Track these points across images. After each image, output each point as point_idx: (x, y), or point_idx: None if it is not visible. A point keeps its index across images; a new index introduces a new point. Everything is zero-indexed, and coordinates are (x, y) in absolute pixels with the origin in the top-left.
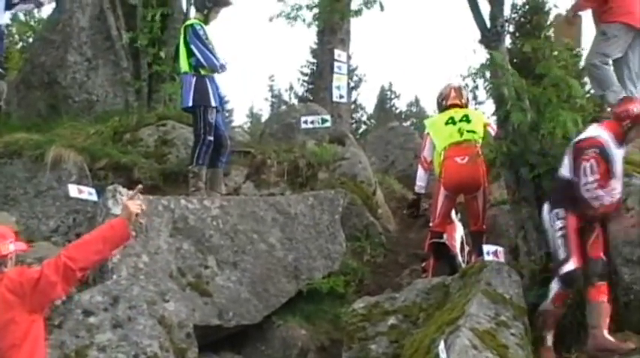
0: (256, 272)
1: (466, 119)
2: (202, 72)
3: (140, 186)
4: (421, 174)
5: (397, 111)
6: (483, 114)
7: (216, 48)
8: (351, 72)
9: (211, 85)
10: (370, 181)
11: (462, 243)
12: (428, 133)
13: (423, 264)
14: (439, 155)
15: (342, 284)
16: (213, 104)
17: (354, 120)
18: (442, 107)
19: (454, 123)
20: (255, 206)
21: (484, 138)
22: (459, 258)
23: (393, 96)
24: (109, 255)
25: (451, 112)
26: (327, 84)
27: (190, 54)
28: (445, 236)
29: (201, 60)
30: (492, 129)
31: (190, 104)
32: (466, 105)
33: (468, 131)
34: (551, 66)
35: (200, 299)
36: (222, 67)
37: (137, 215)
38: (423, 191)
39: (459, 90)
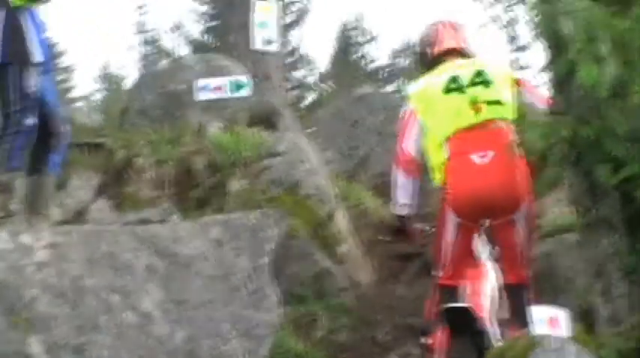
0: None
1: (482, 80)
2: (17, 2)
3: None
4: (402, 183)
5: (371, 66)
6: (509, 66)
7: None
8: None
9: (33, 23)
10: (324, 195)
11: (496, 303)
12: (413, 109)
13: (424, 340)
14: (438, 149)
15: None
16: (37, 59)
17: (293, 85)
18: (428, 59)
19: (461, 88)
20: (114, 243)
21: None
22: (492, 329)
23: (362, 38)
24: None
25: (451, 68)
26: (242, 19)
27: None
28: (466, 290)
29: None
30: (531, 93)
31: None
32: (471, 54)
33: (491, 102)
34: None
35: None
36: None
37: None
38: (409, 211)
39: (453, 26)
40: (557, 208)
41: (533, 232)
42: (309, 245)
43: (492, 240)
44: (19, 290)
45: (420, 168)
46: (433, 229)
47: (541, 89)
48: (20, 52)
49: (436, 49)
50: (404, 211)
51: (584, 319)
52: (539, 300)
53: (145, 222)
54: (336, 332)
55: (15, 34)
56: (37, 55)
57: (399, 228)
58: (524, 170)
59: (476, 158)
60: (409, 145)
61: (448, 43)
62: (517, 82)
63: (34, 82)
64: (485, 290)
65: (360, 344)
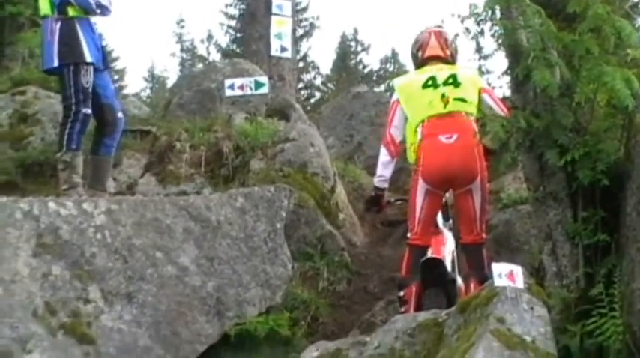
0: (161, 308)
1: (453, 81)
2: (71, 13)
3: None
4: (385, 161)
5: (365, 70)
6: (478, 75)
7: None
8: (297, 13)
9: (85, 31)
10: (327, 173)
11: (452, 263)
12: (397, 100)
13: (401, 293)
14: (414, 132)
15: (287, 323)
16: (88, 59)
17: (302, 85)
18: (418, 60)
19: (435, 86)
20: (158, 211)
21: (479, 110)
22: (459, 280)
23: (359, 48)
24: None
25: (432, 70)
26: (262, 31)
27: None
28: (430, 252)
29: None
30: (491, 99)
31: (56, 63)
32: (452, 61)
33: (456, 99)
34: (589, 1)
35: (79, 349)
36: (102, 8)
37: None
38: (386, 185)
39: (441, 36)
40: (514, 185)
41: (486, 201)
42: (315, 213)
43: (452, 211)
44: (81, 248)
45: (400, 150)
46: (398, 201)
47: (498, 94)
48: (73, 54)
49: (422, 53)
50: (382, 183)
51: (536, 274)
52: (500, 258)
53: (183, 193)
54: (336, 284)
55: (69, 40)
56: (88, 56)
57: (372, 198)
58: (481, 151)
59: (443, 139)
60: (394, 131)
61: (433, 51)
62: (482, 89)
63: (87, 79)
64: (444, 251)
65: (355, 293)
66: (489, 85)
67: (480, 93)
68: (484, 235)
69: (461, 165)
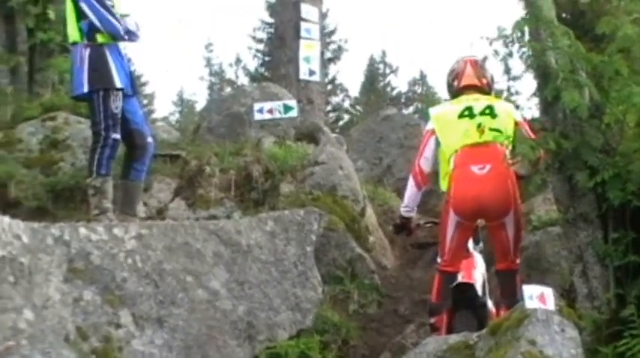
0: (192, 332)
1: (490, 112)
2: (99, 39)
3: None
4: (412, 192)
5: (394, 92)
6: (514, 109)
7: (121, 5)
8: (326, 37)
9: (114, 57)
10: (357, 196)
11: (483, 286)
12: (432, 130)
13: (432, 320)
14: (447, 162)
15: (318, 346)
16: (118, 85)
17: (331, 108)
18: (453, 89)
19: (472, 116)
20: (188, 235)
21: (513, 142)
22: (490, 303)
23: (387, 70)
24: None
25: (468, 100)
26: (291, 55)
27: (80, 15)
28: (460, 276)
29: (97, 23)
30: (526, 131)
31: (85, 89)
32: (489, 90)
33: (492, 129)
34: (618, 22)
35: None
36: (130, 34)
37: None
38: (412, 214)
39: (477, 65)
40: (544, 206)
41: (521, 230)
42: (345, 236)
43: (482, 237)
44: (112, 273)
45: (428, 182)
46: (427, 224)
47: (526, 116)
48: (102, 79)
49: (458, 82)
50: (407, 213)
51: (567, 296)
52: (531, 280)
53: (212, 217)
54: (366, 307)
55: (98, 66)
56: (118, 82)
57: (399, 225)
58: (514, 180)
59: (476, 169)
60: (423, 162)
61: (469, 80)
62: (517, 123)
63: (116, 104)
64: (475, 274)
65: (385, 316)
66: (518, 108)
67: (515, 125)
68: (518, 261)
69: (494, 198)
